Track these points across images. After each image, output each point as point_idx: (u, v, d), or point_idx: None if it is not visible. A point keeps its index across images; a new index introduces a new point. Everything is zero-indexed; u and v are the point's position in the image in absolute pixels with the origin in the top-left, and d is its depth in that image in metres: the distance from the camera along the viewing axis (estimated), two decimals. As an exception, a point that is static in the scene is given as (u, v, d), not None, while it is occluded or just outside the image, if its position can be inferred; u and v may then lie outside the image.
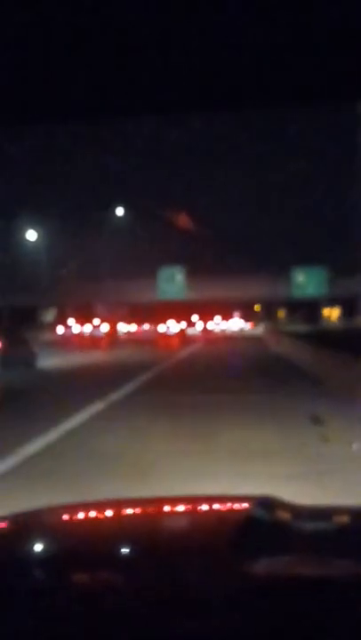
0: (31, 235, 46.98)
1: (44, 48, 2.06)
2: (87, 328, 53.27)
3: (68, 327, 59.83)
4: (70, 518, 2.00)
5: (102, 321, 49.36)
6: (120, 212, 47.93)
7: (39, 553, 1.71)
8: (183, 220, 40.78)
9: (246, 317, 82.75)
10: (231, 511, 2.03)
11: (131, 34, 2.04)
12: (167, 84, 2.17)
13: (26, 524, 1.90)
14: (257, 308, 75.54)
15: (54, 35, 2.04)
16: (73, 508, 2.18)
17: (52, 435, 9.20)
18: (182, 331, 57.93)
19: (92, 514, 2.05)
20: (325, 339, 23.54)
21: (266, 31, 1.99)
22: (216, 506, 2.13)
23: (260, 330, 64.52)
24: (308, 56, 2.06)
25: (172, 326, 56.77)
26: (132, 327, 67.38)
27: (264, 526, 1.74)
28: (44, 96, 2.21)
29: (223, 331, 77.97)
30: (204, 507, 2.14)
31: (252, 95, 2.23)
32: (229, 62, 2.10)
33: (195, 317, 76.28)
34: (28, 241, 47.07)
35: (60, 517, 2.01)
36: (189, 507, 2.13)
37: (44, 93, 2.20)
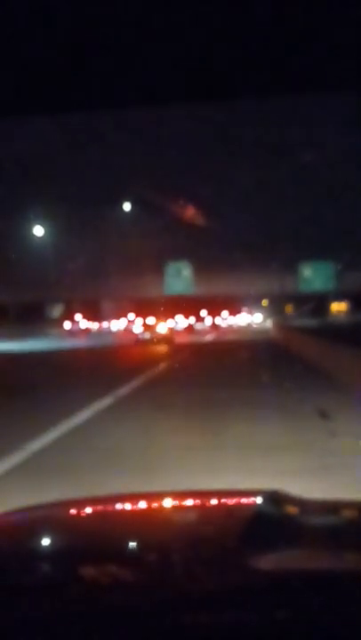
0: (38, 230, 47.04)
1: (45, 42, 2.07)
2: (95, 323, 57.92)
3: (75, 322, 61.14)
4: (78, 512, 2.00)
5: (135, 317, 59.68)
6: (127, 207, 47.89)
7: (47, 547, 1.71)
8: (190, 213, 40.74)
9: (253, 313, 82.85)
10: (239, 506, 2.03)
11: (132, 25, 2.04)
12: (172, 75, 2.17)
13: (34, 519, 1.90)
14: (265, 302, 75.47)
15: (55, 29, 2.04)
16: (80, 503, 2.18)
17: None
18: (190, 326, 60.07)
19: (100, 508, 2.05)
20: (333, 333, 23.53)
21: (271, 18, 1.99)
22: (224, 500, 2.13)
23: (267, 324, 64.65)
24: (320, 45, 2.05)
25: (180, 322, 59.28)
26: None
27: (272, 521, 1.74)
28: (44, 89, 2.21)
29: (230, 326, 78.18)
30: (212, 501, 2.14)
31: (258, 85, 2.23)
32: (238, 51, 2.09)
33: (203, 312, 76.71)
34: (34, 236, 47.11)
35: (68, 512, 2.01)
36: (197, 501, 2.13)
37: (44, 86, 2.20)
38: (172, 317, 59.10)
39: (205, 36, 1.97)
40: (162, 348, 33.71)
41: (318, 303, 57.98)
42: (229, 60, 2.03)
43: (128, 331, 59.25)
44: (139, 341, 38.99)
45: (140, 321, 52.02)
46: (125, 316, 68.98)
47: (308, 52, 1.97)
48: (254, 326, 74.95)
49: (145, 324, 42.11)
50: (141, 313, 58.08)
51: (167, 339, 39.41)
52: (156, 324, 41.91)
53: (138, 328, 42.13)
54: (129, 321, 63.19)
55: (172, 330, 44.33)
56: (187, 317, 65.03)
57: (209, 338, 50.17)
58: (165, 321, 43.82)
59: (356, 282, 43.52)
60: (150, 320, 42.36)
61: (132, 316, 63.13)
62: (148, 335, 39.84)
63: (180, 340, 42.81)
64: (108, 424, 10.08)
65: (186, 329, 61.49)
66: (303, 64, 2.02)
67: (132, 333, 42.09)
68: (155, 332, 40.59)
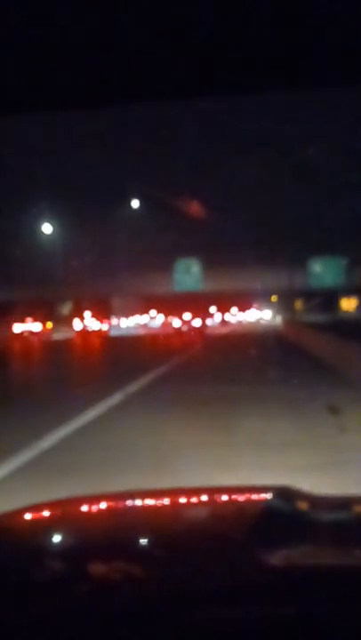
0: (47, 228, 47.12)
1: (45, 36, 2.05)
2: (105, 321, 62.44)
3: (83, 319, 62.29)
4: (89, 509, 2.01)
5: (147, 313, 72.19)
6: (135, 204, 47.92)
7: (58, 544, 1.72)
8: (195, 209, 40.80)
9: (263, 309, 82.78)
10: (250, 502, 2.03)
11: (133, 15, 2.02)
12: (172, 69, 2.15)
13: (44, 515, 1.91)
14: (274, 298, 75.25)
15: (55, 22, 2.02)
16: (91, 499, 2.19)
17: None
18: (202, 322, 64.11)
19: (111, 504, 2.06)
20: (343, 329, 23.51)
21: (275, 9, 1.97)
22: (235, 496, 2.13)
23: (277, 321, 64.68)
24: (324, 36, 2.03)
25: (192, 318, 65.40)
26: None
27: (283, 516, 1.74)
28: (42, 85, 2.20)
29: (240, 322, 78.17)
30: (223, 497, 2.14)
31: (265, 77, 2.21)
32: (241, 42, 2.07)
33: (212, 309, 76.87)
34: (43, 234, 47.19)
35: (79, 508, 2.02)
36: (208, 497, 2.14)
37: (43, 82, 2.19)
38: (183, 313, 62.50)
39: (207, 31, 1.95)
40: (197, 338, 43.33)
41: (327, 298, 57.83)
42: (240, 52, 2.01)
43: (145, 326, 68.08)
44: (180, 332, 51.29)
45: (161, 317, 65.18)
46: (135, 312, 70.31)
47: (311, 47, 1.95)
48: (263, 322, 74.91)
49: (183, 320, 56.75)
50: (162, 309, 65.38)
51: (200, 331, 52.28)
52: (192, 319, 56.67)
53: (177, 322, 56.28)
54: (151, 317, 73.08)
55: (204, 324, 58.29)
56: (196, 314, 66.88)
57: (224, 331, 57.46)
58: (198, 317, 58.07)
59: (366, 277, 43.30)
60: (186, 316, 57.06)
61: (153, 312, 72.02)
62: (185, 328, 53.25)
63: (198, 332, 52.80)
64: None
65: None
66: (307, 59, 1.99)
67: (173, 327, 55.28)
68: (191, 325, 54.39)
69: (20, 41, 2.06)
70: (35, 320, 49.91)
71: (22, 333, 47.30)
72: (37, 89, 2.21)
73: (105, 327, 53.52)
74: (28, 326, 48.98)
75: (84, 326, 51.08)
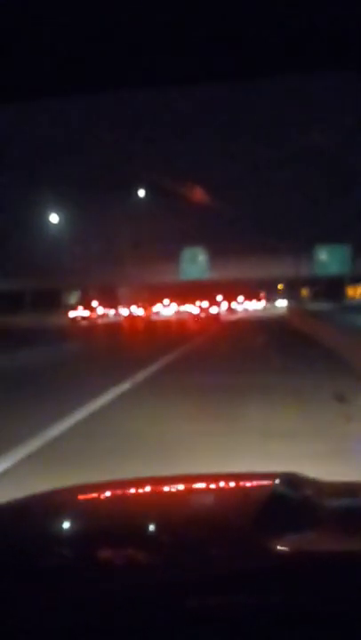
0: (53, 218, 47.12)
1: (45, 22, 2.04)
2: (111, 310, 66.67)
3: (92, 309, 64.35)
4: (96, 496, 2.02)
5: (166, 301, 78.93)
6: (142, 193, 47.85)
7: (64, 530, 1.73)
8: (198, 195, 40.83)
9: (269, 297, 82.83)
10: (255, 488, 2.03)
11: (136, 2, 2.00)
12: (177, 54, 2.13)
13: (52, 502, 1.92)
14: (280, 287, 75.29)
15: (56, 7, 2.00)
16: (98, 487, 2.20)
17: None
18: (207, 309, 67.77)
19: (118, 491, 2.06)
20: (350, 316, 23.49)
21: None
22: (240, 483, 2.13)
23: (283, 309, 64.82)
24: (326, 23, 2.01)
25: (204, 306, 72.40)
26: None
27: (288, 503, 1.74)
28: (42, 71, 2.18)
29: (246, 310, 78.27)
30: (229, 484, 2.14)
31: (268, 63, 2.19)
32: (243, 28, 2.05)
33: (219, 297, 77.17)
34: (50, 224, 47.18)
35: (86, 495, 2.03)
36: (213, 484, 2.14)
37: (42, 69, 2.17)
38: (192, 302, 66.98)
39: (206, 18, 1.93)
40: (213, 323, 47.21)
41: (332, 286, 57.84)
42: (242, 38, 1.98)
43: (157, 314, 74.51)
44: (198, 318, 58.51)
45: (174, 305, 73.94)
46: (142, 301, 71.42)
47: (313, 31, 1.93)
48: (270, 310, 75.01)
49: (201, 307, 67.31)
50: (175, 298, 71.87)
51: (216, 317, 59.44)
52: (209, 307, 67.01)
53: (195, 310, 65.93)
54: (164, 305, 79.97)
55: (219, 312, 67.64)
56: (202, 302, 70.29)
57: (233, 318, 60.94)
58: (215, 306, 68.70)
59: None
60: (204, 304, 67.65)
61: (167, 301, 78.34)
62: (203, 315, 61.55)
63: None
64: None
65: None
66: (309, 43, 1.97)
67: (192, 314, 63.96)
68: (208, 312, 63.97)
69: (22, 28, 2.05)
70: (85, 308, 61.36)
71: (76, 318, 56.81)
72: (41, 76, 2.20)
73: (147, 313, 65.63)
74: (79, 312, 59.48)
75: (130, 312, 64.27)
